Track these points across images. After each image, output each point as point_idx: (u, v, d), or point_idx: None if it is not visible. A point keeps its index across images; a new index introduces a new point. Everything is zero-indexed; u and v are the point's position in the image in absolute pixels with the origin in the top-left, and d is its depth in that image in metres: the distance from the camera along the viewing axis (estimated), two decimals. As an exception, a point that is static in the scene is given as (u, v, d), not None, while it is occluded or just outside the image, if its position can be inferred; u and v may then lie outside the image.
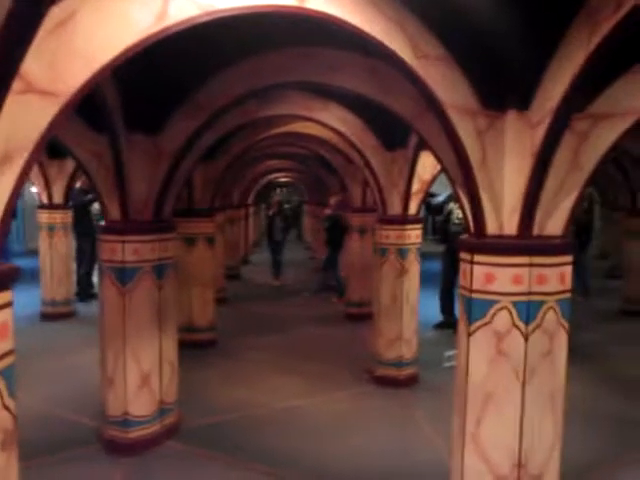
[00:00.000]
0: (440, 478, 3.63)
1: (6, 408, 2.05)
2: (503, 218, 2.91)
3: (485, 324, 2.93)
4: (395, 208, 5.71)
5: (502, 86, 2.77)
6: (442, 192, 8.25)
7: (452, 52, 2.77)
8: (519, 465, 2.95)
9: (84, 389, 5.38)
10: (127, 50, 2.35)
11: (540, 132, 2.71)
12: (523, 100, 2.77)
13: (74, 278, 9.18)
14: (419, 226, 5.89)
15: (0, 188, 1.93)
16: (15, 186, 1.98)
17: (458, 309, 3.22)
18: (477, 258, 2.95)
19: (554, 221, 2.91)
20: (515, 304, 2.89)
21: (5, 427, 2.04)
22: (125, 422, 4.26)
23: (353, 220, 9.00)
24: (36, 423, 4.63)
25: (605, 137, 2.80)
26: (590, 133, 2.80)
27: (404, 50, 2.69)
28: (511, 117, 2.81)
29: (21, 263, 2.12)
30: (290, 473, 4.05)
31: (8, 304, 2.05)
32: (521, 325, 2.89)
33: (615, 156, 8.63)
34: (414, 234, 5.78)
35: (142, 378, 4.29)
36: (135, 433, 4.29)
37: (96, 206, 8.83)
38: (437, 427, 4.72)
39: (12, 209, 1.99)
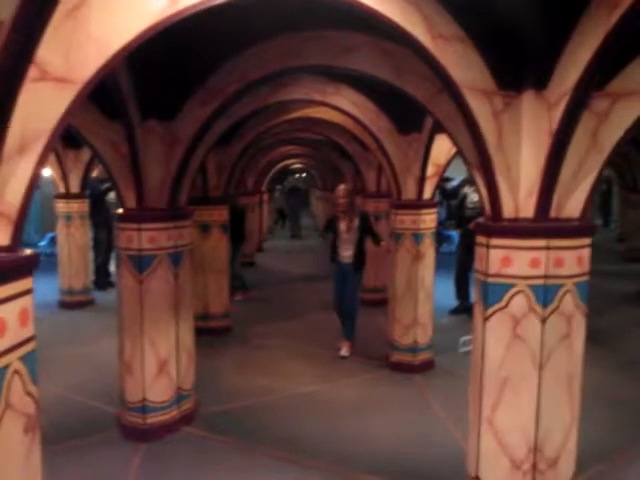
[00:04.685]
0: (455, 462, 3.64)
1: (29, 394, 2.07)
2: (520, 200, 2.87)
3: (501, 308, 2.91)
4: (410, 193, 5.67)
5: (519, 66, 2.72)
6: (457, 176, 8.18)
7: (468, 32, 2.72)
8: (535, 449, 2.94)
9: (103, 375, 5.45)
10: (141, 34, 2.33)
11: (558, 112, 2.66)
12: (540, 80, 2.71)
13: (91, 267, 9.27)
14: (434, 210, 5.85)
15: (18, 177, 1.94)
16: (33, 175, 1.98)
17: (474, 294, 3.19)
18: (493, 241, 2.92)
19: (572, 203, 2.86)
20: (532, 287, 2.86)
21: (28, 412, 2.07)
22: (143, 408, 4.31)
23: (367, 206, 8.96)
24: (55, 409, 4.71)
25: (625, 116, 2.75)
26: (609, 112, 2.74)
27: (420, 30, 2.65)
28: (528, 97, 2.76)
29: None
30: (306, 458, 4.08)
31: (28, 291, 2.06)
32: (538, 309, 2.87)
33: (634, 136, 8.49)
34: (429, 218, 5.75)
35: (159, 365, 4.33)
36: (153, 419, 4.34)
37: (112, 195, 8.89)
38: (452, 412, 4.72)
39: (30, 198, 2.00)
